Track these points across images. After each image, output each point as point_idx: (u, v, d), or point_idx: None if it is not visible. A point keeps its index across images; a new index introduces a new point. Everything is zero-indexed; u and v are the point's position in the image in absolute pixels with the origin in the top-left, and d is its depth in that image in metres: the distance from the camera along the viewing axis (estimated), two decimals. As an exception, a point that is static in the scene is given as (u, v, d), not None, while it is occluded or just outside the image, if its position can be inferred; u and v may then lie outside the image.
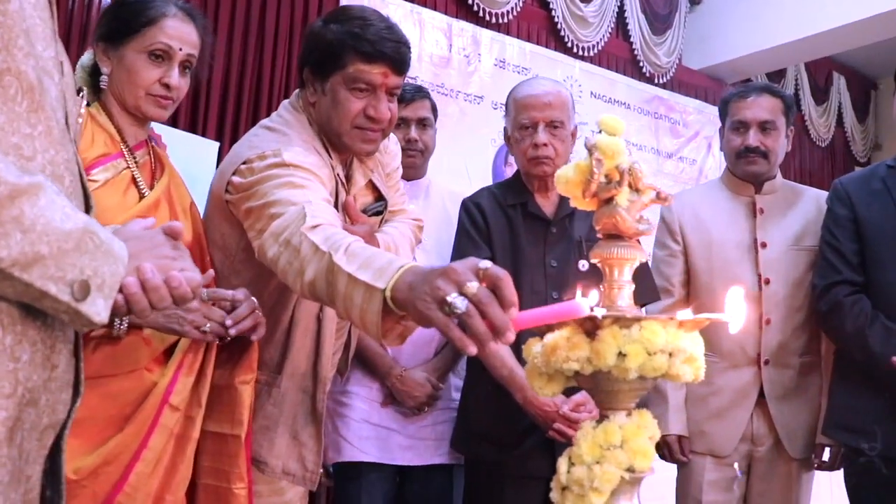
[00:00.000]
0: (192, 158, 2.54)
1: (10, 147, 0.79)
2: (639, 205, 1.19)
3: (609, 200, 1.17)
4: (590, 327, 1.10)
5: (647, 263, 2.13)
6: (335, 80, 1.60)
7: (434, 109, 2.37)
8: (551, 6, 5.44)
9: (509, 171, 5.34)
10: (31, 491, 0.85)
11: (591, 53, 5.62)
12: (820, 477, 2.28)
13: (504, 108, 2.18)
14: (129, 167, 1.50)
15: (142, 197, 1.50)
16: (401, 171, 1.89)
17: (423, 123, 2.30)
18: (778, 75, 6.86)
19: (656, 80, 5.99)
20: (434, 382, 2.14)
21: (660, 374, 1.08)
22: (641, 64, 5.91)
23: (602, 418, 1.15)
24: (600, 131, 1.21)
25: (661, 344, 1.06)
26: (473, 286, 0.96)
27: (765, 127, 2.18)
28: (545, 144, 2.03)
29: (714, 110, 6.34)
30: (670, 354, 1.08)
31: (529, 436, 1.94)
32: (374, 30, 1.57)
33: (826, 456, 2.17)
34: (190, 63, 1.59)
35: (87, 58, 1.60)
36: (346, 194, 1.66)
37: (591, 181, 1.15)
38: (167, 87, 1.55)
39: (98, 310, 0.81)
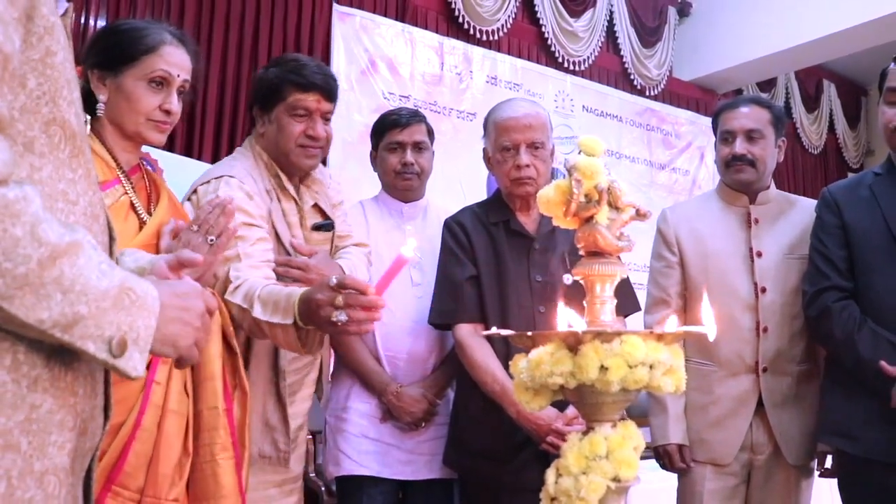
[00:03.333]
0: (188, 182, 2.57)
1: (58, 194, 0.83)
2: (619, 222, 1.23)
3: (589, 219, 1.21)
4: (573, 342, 1.13)
5: (627, 278, 2.17)
6: (279, 110, 1.91)
7: (430, 133, 2.40)
8: (541, 22, 5.51)
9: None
10: None
11: (582, 68, 5.69)
12: (821, 484, 2.30)
13: (484, 128, 2.21)
14: (126, 193, 1.54)
15: (141, 222, 1.54)
16: (344, 203, 2.15)
17: (418, 147, 2.33)
18: (769, 84, 6.93)
19: (647, 93, 6.06)
20: (430, 398, 2.17)
21: (641, 386, 1.12)
22: (632, 76, 5.98)
23: (588, 430, 1.19)
24: (580, 152, 1.25)
25: (641, 357, 1.10)
26: (339, 300, 1.41)
27: (751, 136, 2.21)
28: (527, 165, 2.06)
29: (706, 121, 6.42)
30: (651, 367, 1.11)
31: (524, 449, 1.97)
32: (307, 67, 1.92)
33: (829, 463, 2.19)
34: (185, 88, 1.63)
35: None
36: (299, 211, 1.97)
37: (571, 201, 1.19)
38: (167, 112, 1.59)
39: (134, 364, 0.84)
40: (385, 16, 4.93)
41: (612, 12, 5.86)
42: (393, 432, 2.17)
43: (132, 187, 1.57)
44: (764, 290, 2.16)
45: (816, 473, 2.22)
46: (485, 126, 2.21)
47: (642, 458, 3.16)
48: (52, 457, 0.82)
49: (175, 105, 1.59)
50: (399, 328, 2.23)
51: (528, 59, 5.51)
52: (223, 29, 4.34)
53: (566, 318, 1.15)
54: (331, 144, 2.01)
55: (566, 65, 5.61)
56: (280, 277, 1.78)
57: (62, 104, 0.86)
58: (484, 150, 2.21)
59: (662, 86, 6.15)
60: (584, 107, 5.71)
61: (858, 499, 2.00)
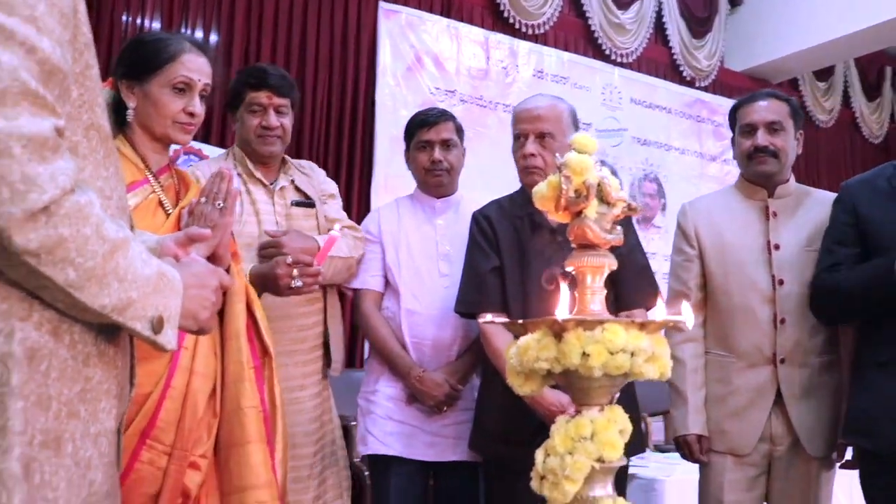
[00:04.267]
0: None
1: (97, 191, 0.95)
2: (609, 216, 1.29)
3: (579, 213, 1.27)
4: (558, 330, 1.20)
5: (648, 267, 2.21)
6: (241, 109, 2.23)
7: (459, 130, 2.48)
8: (588, 15, 5.52)
9: (549, 179, 5.45)
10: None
11: (630, 60, 5.68)
12: (840, 477, 2.30)
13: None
14: (154, 191, 1.67)
15: (167, 216, 1.66)
16: (337, 194, 2.42)
17: (446, 144, 2.42)
18: (826, 73, 6.79)
19: (697, 84, 6.01)
20: (452, 383, 2.26)
21: (622, 372, 1.18)
22: (681, 68, 5.93)
23: (577, 413, 1.26)
24: (574, 150, 1.31)
25: (622, 344, 1.16)
26: (295, 272, 1.94)
27: (773, 128, 2.23)
28: (532, 154, 2.13)
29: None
30: (632, 354, 1.17)
31: (542, 433, 2.03)
32: (259, 70, 2.28)
33: (849, 454, 2.19)
34: (206, 91, 1.75)
35: (106, 94, 1.77)
36: (269, 192, 2.24)
37: (561, 196, 1.25)
38: (191, 114, 1.72)
39: (169, 339, 0.99)
40: (430, 12, 5.02)
41: (660, 4, 5.83)
42: (417, 415, 2.27)
43: (160, 186, 1.69)
44: (782, 282, 2.17)
45: (837, 465, 2.22)
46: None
47: (668, 450, 3.17)
48: (102, 421, 0.96)
49: (198, 107, 1.72)
50: (426, 316, 2.32)
51: (575, 52, 5.53)
52: (272, 31, 4.49)
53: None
54: (289, 133, 2.27)
55: (613, 57, 5.61)
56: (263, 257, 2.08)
57: (97, 111, 0.98)
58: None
59: (713, 77, 6.08)
60: (632, 99, 5.70)
61: (879, 495, 2.00)
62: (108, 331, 0.97)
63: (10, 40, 0.81)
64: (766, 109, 2.24)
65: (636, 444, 2.13)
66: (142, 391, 1.49)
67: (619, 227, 1.31)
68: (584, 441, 1.21)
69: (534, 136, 2.11)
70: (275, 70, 2.27)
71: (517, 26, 5.24)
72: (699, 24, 5.98)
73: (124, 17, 4.17)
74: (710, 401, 2.21)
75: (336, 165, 4.58)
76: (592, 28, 5.54)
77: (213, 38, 4.40)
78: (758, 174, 2.26)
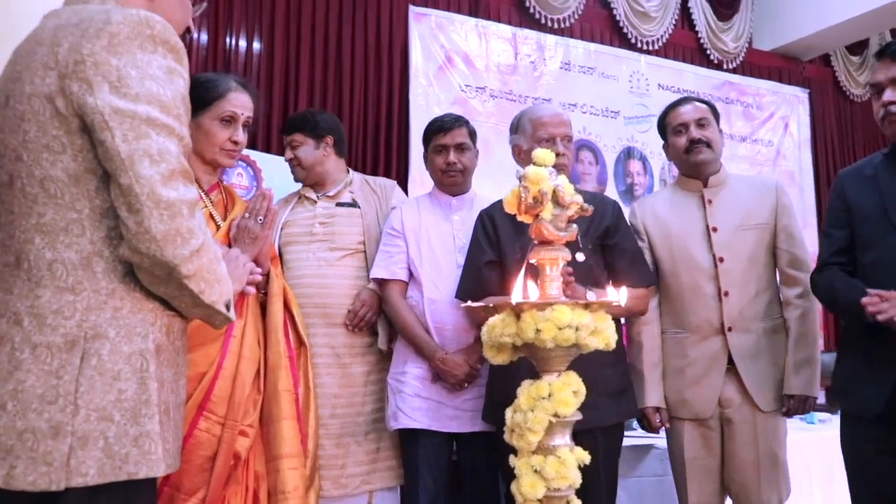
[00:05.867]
0: (281, 175, 3.11)
1: None
2: (563, 217, 1.57)
3: (538, 215, 1.55)
4: (518, 311, 1.49)
5: (640, 252, 2.47)
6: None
7: (472, 134, 2.76)
8: (612, 5, 5.70)
9: (580, 168, 5.66)
10: None
11: (656, 47, 5.84)
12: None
13: (514, 127, 2.53)
14: (206, 207, 2.01)
15: (217, 227, 2.00)
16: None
17: (461, 148, 2.70)
18: (859, 46, 6.80)
19: (725, 66, 6.12)
20: (472, 363, 2.54)
21: (571, 343, 1.46)
22: (708, 51, 6.06)
23: (538, 377, 1.54)
24: (533, 163, 1.59)
25: (567, 321, 1.44)
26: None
27: (701, 123, 2.54)
28: (562, 154, 2.41)
29: (790, 90, 6.42)
30: (577, 329, 1.45)
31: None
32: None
33: (788, 408, 2.43)
34: (248, 122, 2.08)
35: None
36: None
37: (521, 202, 1.54)
38: (235, 143, 2.04)
39: (232, 314, 1.36)
40: (459, 13, 5.28)
41: (685, -11, 5.96)
42: (441, 392, 2.57)
43: (211, 202, 2.03)
44: (722, 259, 2.44)
45: (784, 417, 2.46)
46: (516, 125, 2.54)
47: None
48: (181, 394, 1.35)
49: (241, 136, 2.04)
50: (446, 304, 2.61)
51: (601, 42, 5.72)
52: (310, 39, 4.82)
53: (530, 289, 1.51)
54: (303, 161, 2.77)
55: (639, 45, 5.78)
56: None
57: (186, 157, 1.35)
58: (514, 146, 2.54)
59: (741, 58, 6.19)
60: (659, 85, 5.87)
61: (857, 456, 2.18)
62: (186, 331, 1.36)
63: (172, 134, 1.21)
64: (692, 110, 2.57)
65: (632, 409, 2.42)
66: (199, 371, 1.84)
67: (573, 226, 1.59)
68: (543, 400, 1.49)
69: (560, 138, 2.39)
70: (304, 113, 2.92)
71: (543, 21, 5.46)
72: (725, 7, 6.09)
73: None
74: (671, 375, 2.49)
75: (374, 164, 4.90)
76: (617, 18, 5.72)
77: (256, 45, 4.74)
78: (697, 163, 2.52)
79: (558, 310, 1.44)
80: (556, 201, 1.56)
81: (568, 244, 2.37)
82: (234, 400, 1.89)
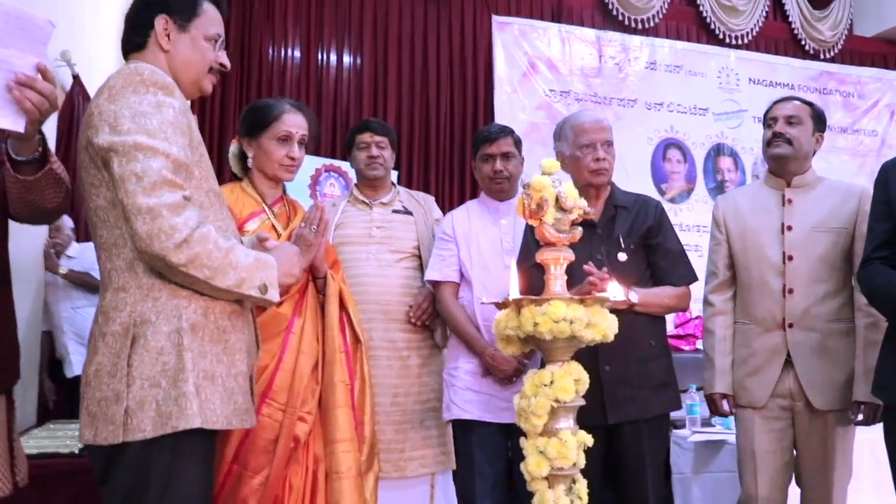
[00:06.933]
0: None
1: (216, 226, 1.53)
2: (566, 221, 1.72)
3: (541, 219, 1.72)
4: (519, 306, 1.66)
5: (683, 252, 2.55)
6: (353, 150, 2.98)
7: (518, 143, 2.92)
8: (698, 2, 5.67)
9: (667, 167, 5.67)
10: None
11: (746, 41, 5.77)
12: (867, 434, 2.51)
13: (557, 134, 2.67)
14: (269, 218, 2.27)
15: (279, 236, 2.26)
16: (442, 219, 3.00)
17: (506, 156, 2.87)
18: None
19: (822, 56, 5.96)
20: (519, 359, 2.68)
21: (566, 336, 1.61)
22: (803, 42, 5.92)
23: (543, 366, 1.70)
24: (541, 170, 1.75)
25: (562, 315, 1.60)
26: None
27: (790, 121, 2.54)
28: (604, 159, 2.53)
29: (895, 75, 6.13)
30: (571, 322, 1.60)
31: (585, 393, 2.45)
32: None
33: (860, 416, 2.43)
34: (304, 140, 2.33)
35: (234, 148, 2.39)
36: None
37: (525, 208, 1.70)
38: (292, 159, 2.30)
39: (273, 295, 1.56)
40: (542, 19, 5.42)
41: (777, -20, 5.85)
42: (492, 385, 2.73)
43: (274, 214, 2.29)
44: (791, 257, 2.46)
45: (854, 423, 2.45)
46: (559, 132, 2.68)
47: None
48: (238, 366, 1.57)
49: (297, 152, 2.29)
50: (495, 303, 2.80)
51: (688, 39, 5.71)
52: (397, 51, 5.09)
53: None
54: (389, 162, 2.99)
55: (727, 40, 5.72)
56: None
57: (211, 180, 1.62)
58: (557, 152, 2.68)
59: (840, 46, 6.00)
60: (750, 79, 5.79)
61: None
62: (236, 313, 1.58)
63: (157, 154, 1.45)
64: (787, 106, 2.56)
65: (674, 401, 2.51)
66: (262, 364, 2.10)
67: (578, 228, 1.74)
68: (545, 387, 1.65)
69: (600, 143, 2.53)
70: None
71: (626, 22, 5.51)
72: (820, -4, 5.94)
73: (270, 50, 4.93)
74: (736, 364, 2.55)
75: (461, 170, 5.13)
76: (704, 14, 5.69)
77: (347, 59, 5.06)
78: (773, 157, 2.55)
79: (554, 304, 1.60)
80: (560, 206, 1.71)
81: (610, 245, 2.52)
82: (294, 389, 2.13)
